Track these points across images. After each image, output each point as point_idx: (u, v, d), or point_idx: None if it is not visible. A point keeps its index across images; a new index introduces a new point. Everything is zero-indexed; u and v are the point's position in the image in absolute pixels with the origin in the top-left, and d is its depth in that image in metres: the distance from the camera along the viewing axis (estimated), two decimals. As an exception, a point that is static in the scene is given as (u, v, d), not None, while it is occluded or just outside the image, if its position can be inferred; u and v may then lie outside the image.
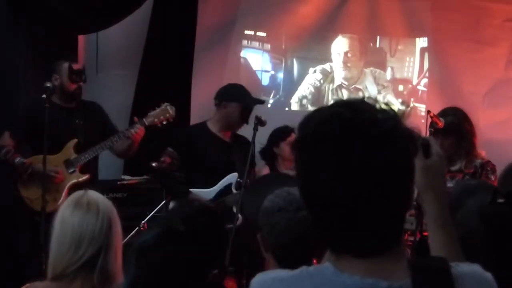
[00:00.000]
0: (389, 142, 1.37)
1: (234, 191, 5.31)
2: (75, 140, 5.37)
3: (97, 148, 5.35)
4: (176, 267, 2.10)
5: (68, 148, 5.37)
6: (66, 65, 5.44)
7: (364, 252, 1.39)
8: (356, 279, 1.38)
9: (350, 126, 1.37)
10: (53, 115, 5.08)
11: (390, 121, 1.39)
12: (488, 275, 1.48)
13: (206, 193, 5.32)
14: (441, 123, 4.82)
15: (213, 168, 5.33)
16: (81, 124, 5.42)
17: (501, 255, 1.92)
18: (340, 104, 1.43)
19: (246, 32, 7.39)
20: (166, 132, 6.19)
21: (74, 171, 5.36)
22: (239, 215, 5.03)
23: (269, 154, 6.00)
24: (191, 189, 5.32)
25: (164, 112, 5.40)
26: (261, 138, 5.50)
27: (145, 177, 6.33)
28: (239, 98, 5.46)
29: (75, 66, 5.53)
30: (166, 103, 5.44)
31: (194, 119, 6.77)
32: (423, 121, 6.06)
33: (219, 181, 5.34)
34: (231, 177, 5.35)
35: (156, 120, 5.38)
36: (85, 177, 5.40)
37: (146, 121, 5.37)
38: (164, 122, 5.40)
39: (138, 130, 5.32)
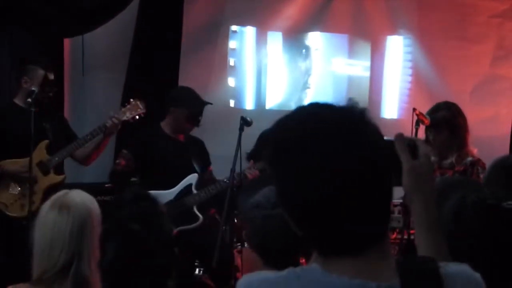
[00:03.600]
0: (367, 138, 1.40)
1: (194, 191, 5.37)
2: (46, 141, 5.21)
3: (71, 147, 5.24)
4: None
5: (39, 149, 5.18)
6: (42, 72, 5.20)
7: (348, 248, 1.39)
8: (344, 280, 1.38)
9: (327, 125, 1.39)
10: (17, 118, 5.03)
11: (366, 119, 1.41)
12: (477, 275, 1.48)
13: (167, 194, 5.32)
14: (427, 121, 4.78)
15: (170, 168, 5.37)
16: (48, 126, 5.22)
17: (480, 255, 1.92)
18: (318, 104, 1.45)
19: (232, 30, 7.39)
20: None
21: (49, 173, 5.23)
22: (200, 215, 5.26)
23: (259, 157, 5.55)
24: (150, 191, 5.29)
25: (135, 107, 5.34)
26: (247, 138, 5.41)
27: (132, 179, 6.28)
28: (184, 103, 5.47)
29: (50, 76, 5.26)
30: (136, 99, 5.38)
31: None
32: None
33: (177, 181, 5.39)
34: (192, 178, 5.42)
35: (126, 116, 5.30)
36: (60, 177, 5.28)
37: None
38: (137, 117, 5.34)
39: (115, 121, 5.22)
